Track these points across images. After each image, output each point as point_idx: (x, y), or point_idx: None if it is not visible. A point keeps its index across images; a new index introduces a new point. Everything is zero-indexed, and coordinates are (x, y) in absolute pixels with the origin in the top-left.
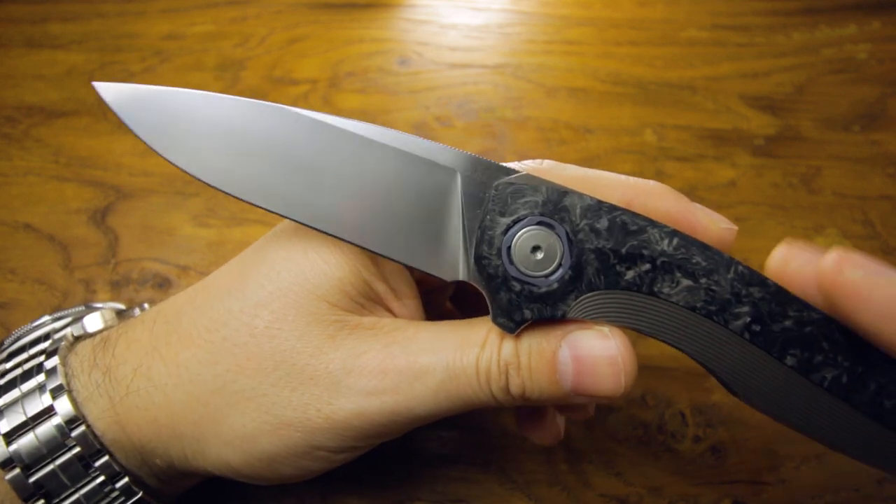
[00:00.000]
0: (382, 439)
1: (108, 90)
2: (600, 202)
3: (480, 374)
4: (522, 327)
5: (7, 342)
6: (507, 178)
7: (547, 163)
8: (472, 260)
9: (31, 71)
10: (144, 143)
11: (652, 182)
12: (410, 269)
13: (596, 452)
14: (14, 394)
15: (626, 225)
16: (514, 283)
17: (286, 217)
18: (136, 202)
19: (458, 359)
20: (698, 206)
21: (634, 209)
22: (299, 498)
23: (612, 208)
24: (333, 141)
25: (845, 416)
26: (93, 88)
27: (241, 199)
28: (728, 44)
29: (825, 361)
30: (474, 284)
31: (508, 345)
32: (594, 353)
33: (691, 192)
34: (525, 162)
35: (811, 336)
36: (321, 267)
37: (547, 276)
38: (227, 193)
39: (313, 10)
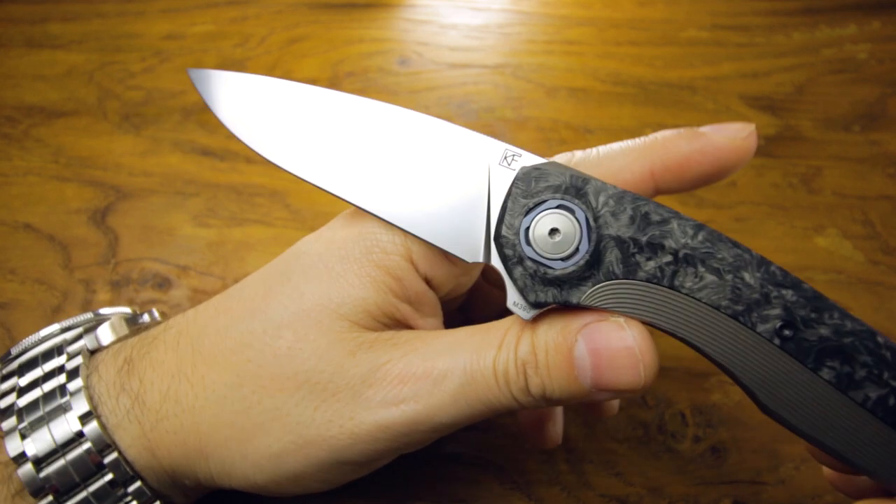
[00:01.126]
0: (408, 450)
1: (199, 76)
2: (624, 191)
3: (499, 375)
4: (537, 313)
5: (14, 352)
6: (533, 164)
7: (578, 153)
8: (492, 241)
9: (31, 71)
10: (229, 129)
11: (659, 135)
12: (436, 290)
13: (596, 452)
14: (38, 416)
15: (649, 215)
16: (530, 263)
17: (319, 187)
18: (136, 202)
19: (476, 361)
20: (709, 130)
21: (663, 175)
22: (300, 498)
23: (636, 198)
24: (385, 117)
25: (893, 443)
26: (93, 88)
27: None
28: (728, 44)
29: (868, 378)
30: (494, 266)
31: (525, 343)
32: (611, 344)
33: (691, 191)
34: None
35: (852, 348)
36: (346, 288)
37: (563, 259)
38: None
39: (313, 10)
